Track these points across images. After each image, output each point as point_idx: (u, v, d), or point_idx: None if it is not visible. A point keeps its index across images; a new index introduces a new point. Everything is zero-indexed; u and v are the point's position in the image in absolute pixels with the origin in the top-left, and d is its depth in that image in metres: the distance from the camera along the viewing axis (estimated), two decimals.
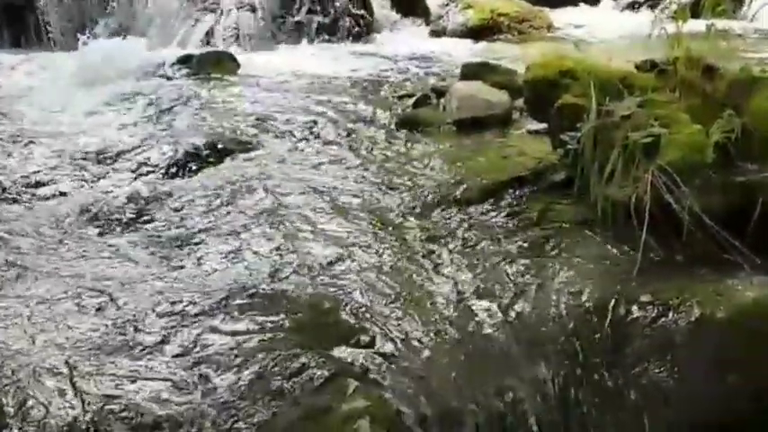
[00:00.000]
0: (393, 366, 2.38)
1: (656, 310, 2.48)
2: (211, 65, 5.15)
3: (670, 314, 2.45)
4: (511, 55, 5.17)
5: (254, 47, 6.00)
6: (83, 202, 3.41)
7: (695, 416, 2.37)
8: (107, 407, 2.21)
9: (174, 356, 2.39)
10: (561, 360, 2.45)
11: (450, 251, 2.92)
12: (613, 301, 2.53)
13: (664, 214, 2.72)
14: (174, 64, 5.22)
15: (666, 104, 2.98)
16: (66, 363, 2.35)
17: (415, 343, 2.47)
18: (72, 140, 4.02)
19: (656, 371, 2.40)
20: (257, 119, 4.19)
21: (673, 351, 2.41)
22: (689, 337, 2.42)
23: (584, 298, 2.57)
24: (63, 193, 3.57)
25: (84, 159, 3.80)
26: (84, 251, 3.03)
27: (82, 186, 3.61)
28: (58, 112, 4.45)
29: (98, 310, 2.62)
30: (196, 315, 2.57)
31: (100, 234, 3.17)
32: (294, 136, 3.99)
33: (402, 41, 6.07)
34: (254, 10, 6.22)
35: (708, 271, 2.61)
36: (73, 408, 2.20)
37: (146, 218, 3.27)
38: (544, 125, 3.45)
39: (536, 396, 2.38)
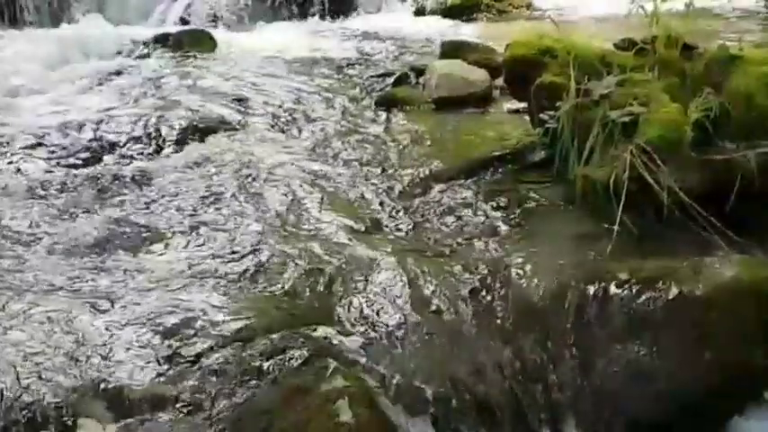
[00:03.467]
0: (371, 347, 2.39)
1: (634, 288, 2.48)
2: (189, 43, 5.10)
3: (648, 292, 2.46)
4: (491, 33, 5.16)
5: (231, 25, 5.95)
6: (61, 182, 3.39)
7: (673, 393, 2.39)
8: (87, 384, 2.20)
9: (153, 336, 2.38)
10: (537, 338, 2.46)
11: (428, 230, 2.92)
12: (591, 278, 2.54)
13: (643, 193, 2.73)
14: (151, 43, 5.17)
15: (645, 83, 2.98)
16: (46, 337, 2.34)
17: (393, 323, 2.47)
18: (48, 120, 3.98)
19: (634, 348, 2.41)
20: (235, 98, 4.16)
21: (650, 328, 2.42)
22: (666, 314, 2.43)
23: (562, 276, 2.57)
24: (39, 172, 3.53)
25: (61, 139, 3.76)
26: (60, 231, 3.01)
27: (59, 166, 3.57)
28: (34, 92, 4.40)
29: (74, 288, 2.61)
30: (174, 295, 2.56)
31: (77, 213, 3.14)
32: (272, 115, 3.97)
33: (382, 20, 6.04)
34: None
35: (686, 249, 2.62)
36: (55, 385, 2.19)
37: (124, 197, 3.25)
38: (524, 104, 3.44)
39: (512, 375, 2.39)
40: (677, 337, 2.41)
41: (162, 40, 5.18)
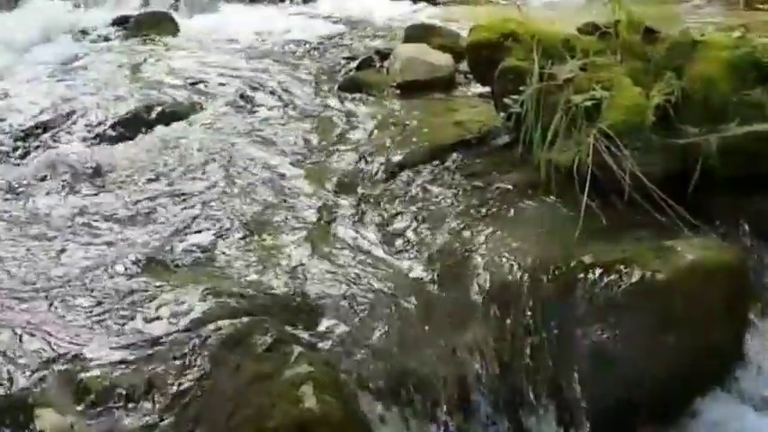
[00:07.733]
0: (336, 332, 2.39)
1: (597, 272, 2.50)
2: (150, 27, 5.03)
3: (611, 276, 2.48)
4: (456, 17, 5.15)
5: (194, 8, 5.87)
6: (15, 167, 3.35)
7: (636, 376, 2.41)
8: (45, 373, 2.18)
9: (113, 323, 2.36)
10: (502, 322, 2.47)
11: (393, 215, 2.92)
12: (555, 263, 2.55)
13: (606, 177, 2.74)
14: (111, 25, 5.10)
15: (608, 67, 3.00)
16: (2, 326, 2.31)
17: (357, 307, 2.48)
18: (6, 104, 3.92)
19: (598, 332, 2.43)
20: (197, 82, 4.13)
21: (614, 312, 2.44)
22: (629, 298, 2.44)
23: (526, 260, 2.58)
24: None
25: (19, 125, 3.71)
26: (16, 217, 2.97)
27: (16, 152, 3.52)
28: None
29: (31, 275, 2.58)
30: (135, 281, 2.54)
31: (33, 200, 3.11)
32: (235, 99, 3.93)
33: (347, 3, 6.00)
34: None
35: (648, 233, 2.65)
36: (12, 374, 2.16)
37: (83, 182, 3.22)
38: (487, 88, 3.44)
39: (477, 359, 2.40)
40: (641, 320, 2.43)
41: (122, 23, 5.11)
